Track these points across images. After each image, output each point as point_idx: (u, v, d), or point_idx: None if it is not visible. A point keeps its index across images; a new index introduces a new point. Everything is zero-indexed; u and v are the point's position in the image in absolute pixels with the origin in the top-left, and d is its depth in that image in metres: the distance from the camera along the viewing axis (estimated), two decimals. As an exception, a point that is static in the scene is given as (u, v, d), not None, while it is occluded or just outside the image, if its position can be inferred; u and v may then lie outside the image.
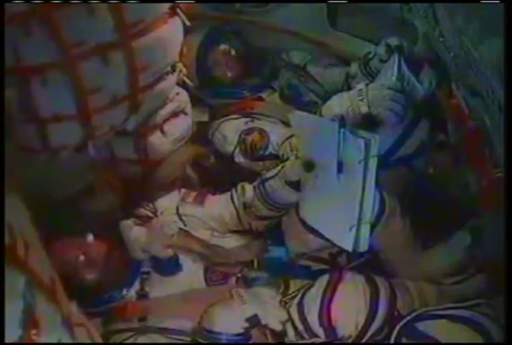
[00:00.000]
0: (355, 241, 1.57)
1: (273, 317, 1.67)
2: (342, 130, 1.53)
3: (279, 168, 1.78)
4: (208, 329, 1.63)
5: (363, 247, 1.58)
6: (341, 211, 1.59)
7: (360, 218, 1.55)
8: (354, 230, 1.56)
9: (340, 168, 1.55)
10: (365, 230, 1.57)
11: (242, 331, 1.63)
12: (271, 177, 1.79)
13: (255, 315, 1.63)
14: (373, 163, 1.51)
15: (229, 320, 1.64)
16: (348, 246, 1.59)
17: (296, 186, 1.71)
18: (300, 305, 1.72)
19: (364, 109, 1.79)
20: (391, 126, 1.83)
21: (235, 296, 1.68)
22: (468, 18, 1.40)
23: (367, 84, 1.83)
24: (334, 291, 1.69)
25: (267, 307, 1.68)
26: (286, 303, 1.76)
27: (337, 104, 1.86)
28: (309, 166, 1.65)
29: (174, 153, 2.18)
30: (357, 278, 1.73)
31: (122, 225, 1.87)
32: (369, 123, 1.81)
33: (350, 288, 1.70)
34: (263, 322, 1.65)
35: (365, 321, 1.62)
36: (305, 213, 1.75)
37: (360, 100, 1.79)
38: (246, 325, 1.62)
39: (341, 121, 1.56)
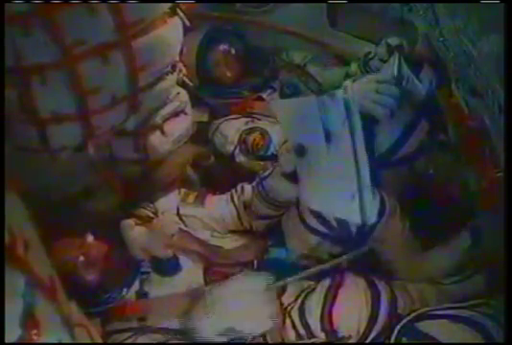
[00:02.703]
0: (361, 210, 1.54)
1: (252, 323, 1.60)
2: (319, 98, 1.53)
3: (274, 164, 1.79)
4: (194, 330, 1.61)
5: (371, 218, 1.56)
6: (340, 182, 1.55)
7: (359, 185, 1.53)
8: (357, 198, 1.53)
9: (328, 136, 1.54)
10: (368, 196, 1.54)
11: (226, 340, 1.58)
12: (268, 175, 1.79)
13: (230, 328, 1.56)
14: (357, 123, 1.50)
15: (209, 330, 1.59)
16: (356, 219, 1.56)
17: (293, 177, 1.72)
18: (301, 310, 1.72)
19: None
20: (385, 121, 1.82)
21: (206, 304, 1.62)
22: (468, 18, 1.40)
23: (354, 81, 1.83)
24: (335, 296, 1.69)
25: (245, 313, 1.59)
26: (286, 307, 1.75)
27: None
28: (300, 151, 1.65)
29: (174, 153, 2.18)
30: (358, 282, 1.73)
31: (122, 225, 1.87)
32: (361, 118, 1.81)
33: (351, 293, 1.70)
34: (242, 332, 1.58)
35: (367, 325, 1.63)
36: (307, 200, 1.73)
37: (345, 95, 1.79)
38: (224, 338, 1.57)
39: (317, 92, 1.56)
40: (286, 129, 1.79)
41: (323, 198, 1.67)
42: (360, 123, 1.50)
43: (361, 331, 1.63)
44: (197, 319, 1.60)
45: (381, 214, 1.67)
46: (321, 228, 1.74)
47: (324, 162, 1.59)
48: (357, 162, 1.52)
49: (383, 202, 1.68)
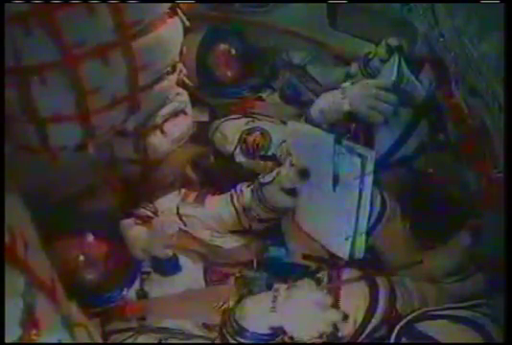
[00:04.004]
0: (351, 249, 1.58)
1: (304, 330, 1.47)
2: (337, 147, 1.53)
3: (274, 174, 1.78)
4: (238, 321, 1.51)
5: (359, 255, 1.59)
6: (337, 221, 1.60)
7: (355, 230, 1.56)
8: (350, 240, 1.57)
9: (336, 182, 1.56)
10: (361, 240, 1.59)
11: (269, 331, 1.48)
12: (268, 183, 1.79)
13: (280, 327, 1.46)
14: (369, 179, 1.51)
15: (257, 320, 1.49)
16: (344, 255, 1.60)
17: (292, 193, 1.72)
18: None
19: (346, 107, 1.79)
20: (383, 125, 1.83)
21: (268, 299, 1.49)
22: (468, 18, 1.40)
23: (352, 83, 1.83)
24: (332, 289, 1.69)
25: (300, 319, 1.46)
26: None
27: (322, 101, 1.87)
28: (303, 174, 1.66)
29: (174, 153, 2.18)
30: (356, 276, 1.73)
31: (122, 224, 1.87)
32: (356, 121, 1.82)
33: (349, 285, 1.70)
34: (289, 334, 1.48)
35: (364, 318, 1.62)
36: (300, 219, 1.76)
37: (342, 97, 1.79)
38: (270, 332, 1.48)
39: (337, 136, 1.57)
40: (294, 151, 1.80)
41: (316, 227, 1.70)
42: (372, 179, 1.52)
43: (358, 323, 1.63)
44: (251, 312, 1.50)
45: (381, 214, 1.67)
46: None
47: (327, 196, 1.61)
48: (358, 211, 1.55)
49: (383, 202, 1.68)
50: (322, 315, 1.43)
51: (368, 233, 1.62)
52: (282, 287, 1.51)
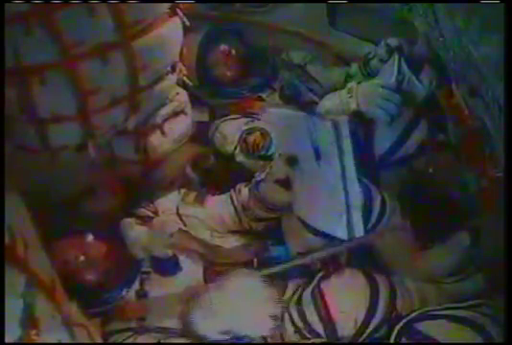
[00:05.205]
0: (347, 227, 1.56)
1: (253, 327, 1.55)
2: (310, 117, 1.55)
3: (267, 170, 1.79)
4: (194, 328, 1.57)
5: (358, 233, 1.57)
6: (328, 199, 1.58)
7: (347, 204, 1.55)
8: (344, 216, 1.55)
9: (318, 154, 1.56)
10: (356, 215, 1.56)
11: (224, 336, 1.54)
12: (262, 180, 1.79)
13: (229, 330, 1.52)
14: (347, 145, 1.51)
15: (206, 327, 1.56)
16: (342, 234, 1.58)
17: (286, 184, 1.72)
18: (299, 301, 1.72)
19: (353, 106, 1.79)
20: (385, 125, 1.83)
21: (206, 303, 1.57)
22: (468, 18, 1.40)
23: (359, 83, 1.84)
24: (332, 287, 1.69)
25: (245, 313, 1.54)
26: (286, 302, 1.75)
27: (328, 101, 1.88)
28: (292, 161, 1.66)
29: (174, 153, 2.17)
30: (356, 274, 1.73)
31: (122, 223, 1.87)
32: (361, 120, 1.82)
33: (349, 285, 1.70)
34: (241, 334, 1.54)
35: (364, 318, 1.62)
36: (299, 210, 1.75)
37: (349, 97, 1.80)
38: (225, 337, 1.53)
39: (309, 109, 1.57)
40: (276, 139, 1.81)
41: (313, 213, 1.68)
42: (350, 144, 1.52)
43: (359, 322, 1.63)
44: (196, 320, 1.57)
45: (381, 214, 1.67)
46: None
47: (315, 176, 1.61)
48: (345, 183, 1.54)
49: (383, 202, 1.68)
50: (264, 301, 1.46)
51: (372, 225, 1.61)
52: (211, 286, 1.52)
